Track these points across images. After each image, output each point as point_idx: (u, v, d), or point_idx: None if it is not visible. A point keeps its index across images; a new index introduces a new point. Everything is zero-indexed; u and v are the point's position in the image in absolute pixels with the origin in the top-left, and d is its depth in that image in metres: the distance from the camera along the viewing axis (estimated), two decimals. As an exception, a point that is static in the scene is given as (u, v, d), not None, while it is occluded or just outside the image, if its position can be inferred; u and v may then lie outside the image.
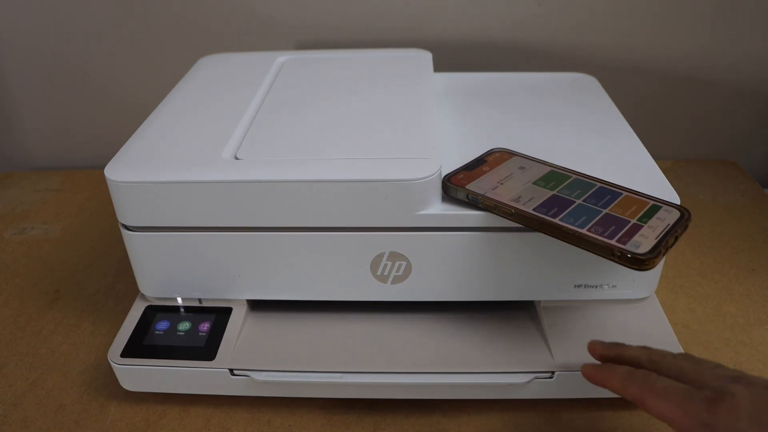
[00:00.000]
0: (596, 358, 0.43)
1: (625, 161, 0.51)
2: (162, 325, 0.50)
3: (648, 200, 0.43)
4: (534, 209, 0.43)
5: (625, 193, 0.44)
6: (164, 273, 0.50)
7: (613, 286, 0.48)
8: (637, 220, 0.41)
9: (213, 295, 0.51)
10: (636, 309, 0.51)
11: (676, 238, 0.40)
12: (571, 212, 0.42)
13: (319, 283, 0.49)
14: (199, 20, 0.80)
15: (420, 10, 0.78)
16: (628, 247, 0.39)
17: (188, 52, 0.80)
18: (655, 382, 0.37)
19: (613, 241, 0.39)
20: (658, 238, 0.40)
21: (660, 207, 0.43)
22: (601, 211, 0.42)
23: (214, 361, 0.47)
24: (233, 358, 0.48)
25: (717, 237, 0.69)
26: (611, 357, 0.42)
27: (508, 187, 0.45)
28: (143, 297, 0.53)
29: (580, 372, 0.43)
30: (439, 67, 0.64)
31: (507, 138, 0.53)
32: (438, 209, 0.45)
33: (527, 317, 0.51)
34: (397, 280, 0.48)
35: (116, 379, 0.49)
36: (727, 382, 0.35)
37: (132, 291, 0.54)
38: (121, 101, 0.86)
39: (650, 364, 0.39)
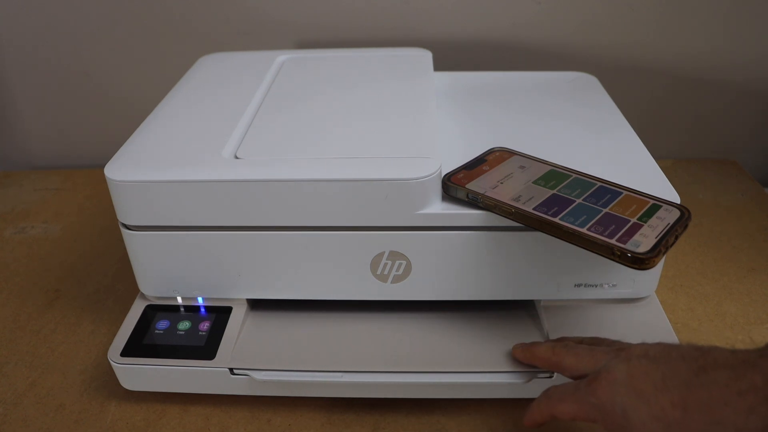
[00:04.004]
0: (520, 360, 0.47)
1: (626, 160, 0.51)
2: (162, 325, 0.50)
3: (648, 199, 0.43)
4: (534, 208, 0.43)
5: (625, 192, 0.44)
6: (164, 272, 0.50)
7: (614, 286, 0.48)
8: (638, 219, 0.41)
9: (213, 294, 0.51)
10: (636, 308, 0.51)
11: (676, 238, 0.40)
12: (571, 211, 0.42)
13: (319, 282, 0.49)
14: (199, 19, 0.80)
15: (420, 9, 0.78)
16: (628, 246, 0.39)
17: (188, 51, 0.80)
18: (552, 395, 0.41)
19: (613, 241, 0.39)
20: (658, 238, 0.40)
21: (660, 206, 0.43)
22: (601, 210, 0.42)
23: (214, 360, 0.47)
24: (233, 358, 0.48)
25: (717, 236, 0.69)
26: (527, 362, 0.46)
27: (508, 186, 0.45)
28: (143, 296, 0.53)
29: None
30: (439, 66, 0.64)
31: (507, 137, 0.53)
32: (438, 208, 0.45)
33: (527, 316, 0.51)
34: (396, 279, 0.48)
35: (116, 379, 0.49)
36: (610, 359, 0.38)
37: (132, 290, 0.54)
38: (121, 101, 0.86)
39: (555, 361, 0.43)
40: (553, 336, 0.48)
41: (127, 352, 0.48)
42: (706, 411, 0.32)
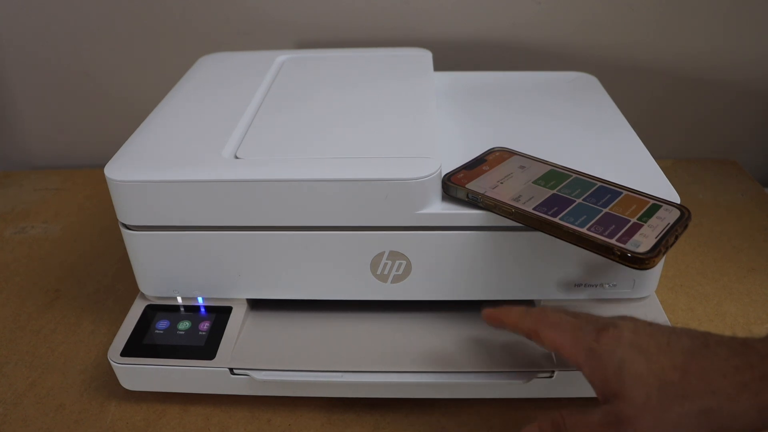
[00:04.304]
0: (489, 320, 0.44)
1: (626, 160, 0.51)
2: (162, 325, 0.50)
3: (648, 199, 0.43)
4: (534, 208, 0.43)
5: (625, 192, 0.44)
6: (164, 272, 0.49)
7: (613, 286, 0.48)
8: (638, 219, 0.41)
9: (213, 294, 0.51)
10: (636, 308, 0.50)
11: (676, 237, 0.40)
12: (571, 211, 0.42)
13: (319, 282, 0.49)
14: (200, 19, 0.80)
15: (420, 9, 0.78)
16: (628, 246, 0.39)
17: (188, 51, 0.80)
18: (548, 316, 0.40)
19: (613, 240, 0.39)
20: (658, 237, 0.40)
21: (660, 206, 0.43)
22: (601, 210, 0.42)
23: (214, 360, 0.47)
24: (233, 358, 0.48)
25: (717, 236, 0.69)
26: (512, 317, 0.43)
27: (508, 186, 0.45)
28: (143, 296, 0.53)
29: (580, 371, 0.43)
30: (439, 66, 0.64)
31: (507, 137, 0.53)
32: (438, 208, 0.45)
33: (527, 316, 0.51)
34: (396, 279, 0.48)
35: (116, 379, 0.49)
36: (616, 319, 0.38)
37: (132, 290, 0.54)
38: (121, 101, 0.86)
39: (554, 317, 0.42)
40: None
41: (127, 352, 0.48)
42: (704, 379, 0.33)
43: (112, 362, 0.48)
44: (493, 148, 0.50)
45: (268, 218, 0.45)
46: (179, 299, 0.52)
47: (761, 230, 0.70)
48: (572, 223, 0.41)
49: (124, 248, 0.49)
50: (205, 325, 0.50)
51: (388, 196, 0.43)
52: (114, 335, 0.50)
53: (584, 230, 0.40)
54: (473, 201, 0.44)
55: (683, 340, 0.35)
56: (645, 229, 0.40)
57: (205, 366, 0.47)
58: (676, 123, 0.85)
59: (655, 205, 0.43)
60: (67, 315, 0.60)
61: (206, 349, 0.48)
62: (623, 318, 0.38)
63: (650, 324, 0.37)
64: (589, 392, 0.47)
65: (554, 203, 0.43)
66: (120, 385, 0.50)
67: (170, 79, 0.63)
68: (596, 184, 0.45)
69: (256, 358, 0.48)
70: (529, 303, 0.52)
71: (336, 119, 0.51)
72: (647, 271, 0.41)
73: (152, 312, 0.52)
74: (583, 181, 0.46)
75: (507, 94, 0.62)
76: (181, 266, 0.49)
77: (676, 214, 0.42)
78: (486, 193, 0.44)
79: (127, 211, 0.46)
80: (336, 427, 0.48)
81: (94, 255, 0.69)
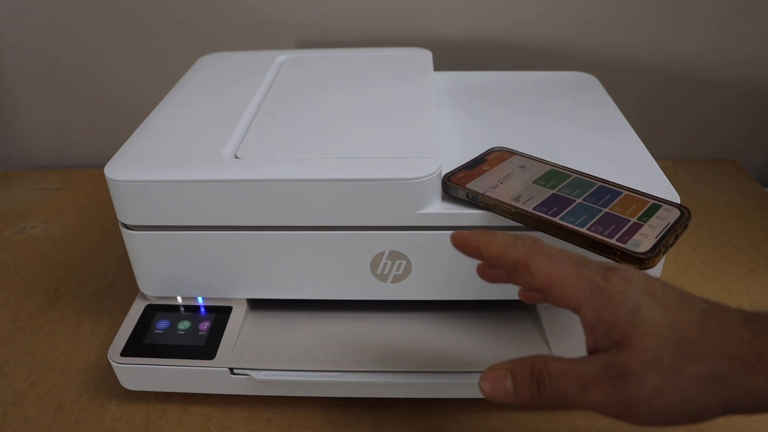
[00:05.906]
0: (461, 246, 0.36)
1: (626, 160, 0.51)
2: (162, 324, 0.50)
3: (648, 199, 0.43)
4: (534, 208, 0.43)
5: (625, 192, 0.44)
6: (164, 272, 0.49)
7: (613, 285, 0.48)
8: (638, 219, 0.41)
9: (213, 294, 0.51)
10: (636, 308, 0.50)
11: (677, 237, 0.40)
12: (571, 211, 0.42)
13: (319, 282, 0.49)
14: (200, 19, 0.80)
15: (420, 9, 0.78)
16: (628, 246, 0.39)
17: (188, 51, 0.80)
18: (545, 246, 0.34)
19: (613, 240, 0.39)
20: (658, 237, 0.40)
21: (660, 206, 0.43)
22: (601, 210, 0.42)
23: (214, 360, 0.47)
24: (233, 357, 0.48)
25: (717, 236, 0.69)
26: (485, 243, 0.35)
27: (508, 186, 0.45)
28: (143, 296, 0.53)
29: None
30: (439, 65, 0.64)
31: (507, 137, 0.53)
32: (438, 208, 0.45)
33: (527, 316, 0.51)
34: (396, 279, 0.48)
35: (116, 378, 0.49)
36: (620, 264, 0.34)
37: (132, 290, 0.54)
38: (121, 100, 0.86)
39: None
40: (554, 340, 0.48)
41: (127, 351, 0.48)
42: (722, 341, 0.30)
43: (112, 362, 0.48)
44: (493, 148, 0.50)
45: (268, 218, 0.45)
46: (179, 299, 0.52)
47: (761, 230, 0.70)
48: (572, 223, 0.41)
49: (124, 248, 0.49)
50: (205, 325, 0.50)
51: (388, 196, 0.43)
52: (114, 335, 0.50)
53: (584, 230, 0.40)
54: (473, 201, 0.44)
55: (697, 300, 0.32)
56: (645, 229, 0.40)
57: (205, 366, 0.47)
58: (676, 123, 0.85)
59: (655, 204, 0.43)
60: (67, 315, 0.60)
61: (206, 349, 0.48)
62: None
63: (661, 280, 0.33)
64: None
65: (554, 203, 0.43)
66: (120, 385, 0.50)
67: (170, 78, 0.63)
68: (596, 183, 0.45)
69: (256, 358, 0.48)
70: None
71: (336, 119, 0.51)
72: (647, 270, 0.41)
73: (152, 312, 0.52)
74: (583, 180, 0.46)
75: (507, 94, 0.62)
76: (181, 266, 0.49)
77: (676, 213, 0.42)
78: (486, 193, 0.44)
79: (127, 211, 0.46)
80: (336, 427, 0.48)
81: (94, 255, 0.69)
